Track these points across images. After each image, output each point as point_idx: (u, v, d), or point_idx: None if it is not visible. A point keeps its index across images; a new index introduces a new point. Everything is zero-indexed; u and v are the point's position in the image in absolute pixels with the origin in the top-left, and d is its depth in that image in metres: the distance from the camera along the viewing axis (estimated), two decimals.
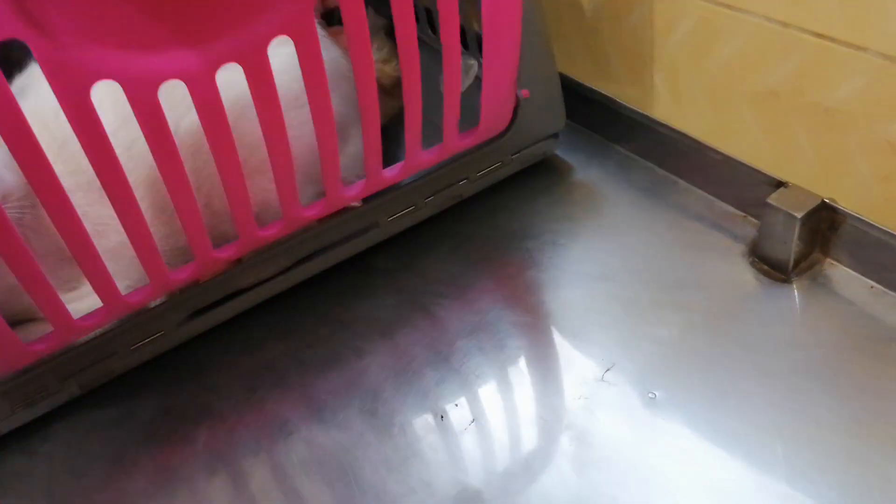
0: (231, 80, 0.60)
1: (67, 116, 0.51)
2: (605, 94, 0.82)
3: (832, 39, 0.62)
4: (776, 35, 0.66)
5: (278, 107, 0.60)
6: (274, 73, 0.65)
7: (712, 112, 0.74)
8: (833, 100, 0.63)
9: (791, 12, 0.64)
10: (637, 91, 0.80)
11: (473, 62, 0.74)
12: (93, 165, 0.54)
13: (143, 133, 0.54)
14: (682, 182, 0.77)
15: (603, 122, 0.84)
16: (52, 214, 0.54)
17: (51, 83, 0.49)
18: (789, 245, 0.65)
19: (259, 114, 0.59)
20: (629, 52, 0.79)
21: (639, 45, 0.78)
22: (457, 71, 0.66)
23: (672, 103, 0.77)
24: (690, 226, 0.73)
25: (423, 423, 0.60)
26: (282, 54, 0.63)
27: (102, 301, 0.60)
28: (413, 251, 0.75)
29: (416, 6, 0.64)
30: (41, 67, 0.48)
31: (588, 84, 0.84)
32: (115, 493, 0.59)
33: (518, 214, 0.77)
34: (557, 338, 0.65)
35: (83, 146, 0.53)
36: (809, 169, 0.67)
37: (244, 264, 0.67)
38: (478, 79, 0.71)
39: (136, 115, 0.53)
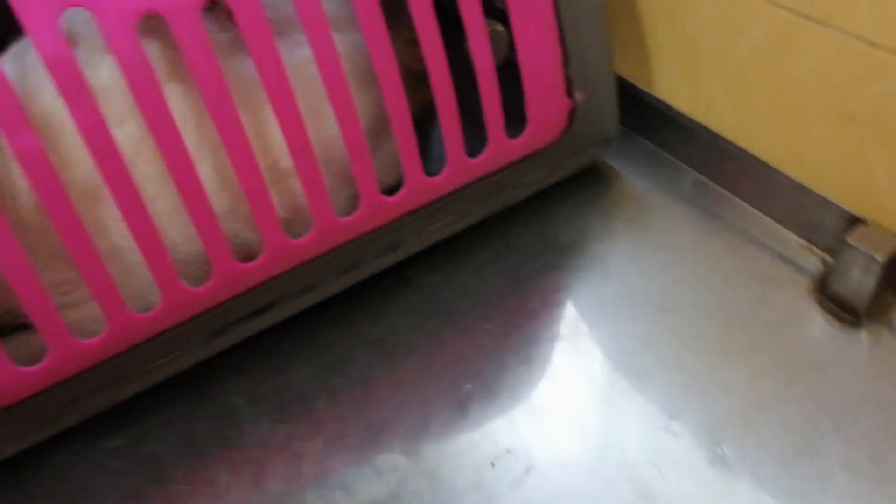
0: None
1: (38, 51, 0.46)
2: (659, 97, 0.76)
3: None
4: (862, 54, 0.61)
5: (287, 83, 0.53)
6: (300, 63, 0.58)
7: (781, 130, 0.68)
8: None
9: (881, 32, 0.59)
10: (695, 98, 0.74)
11: (501, 28, 0.66)
12: (84, 135, 0.48)
13: (127, 80, 0.49)
14: (741, 203, 0.72)
15: (655, 127, 0.77)
16: (50, 210, 0.47)
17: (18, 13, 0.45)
18: (866, 289, 0.60)
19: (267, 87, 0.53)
20: (690, 53, 0.73)
21: (701, 48, 0.71)
22: (484, 41, 0.59)
23: (735, 115, 0.71)
24: (752, 253, 0.67)
25: (472, 470, 0.55)
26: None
27: (108, 322, 0.52)
28: (451, 261, 0.69)
29: None
30: None
31: (640, 85, 0.77)
32: None
33: (565, 227, 0.71)
34: (617, 377, 0.60)
35: (62, 93, 0.47)
36: (889, 205, 0.63)
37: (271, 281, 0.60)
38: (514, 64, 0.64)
39: (112, 52, 0.48)
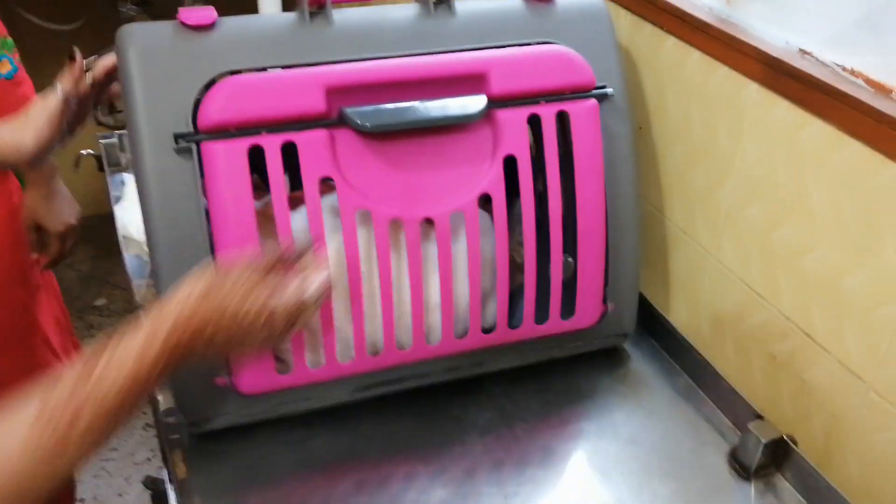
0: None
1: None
2: (668, 318, 1.19)
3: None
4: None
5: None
6: None
7: (737, 360, 1.10)
8: (809, 375, 0.98)
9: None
10: (690, 325, 1.16)
11: (571, 260, 1.11)
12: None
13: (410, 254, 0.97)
14: (702, 393, 1.12)
15: (663, 336, 1.20)
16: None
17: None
18: (754, 459, 0.99)
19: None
20: (692, 297, 1.16)
21: (702, 299, 1.15)
22: (559, 266, 1.05)
23: (712, 345, 1.13)
24: (702, 425, 1.07)
25: None
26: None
27: (327, 361, 0.98)
28: (512, 383, 1.12)
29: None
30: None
31: (658, 308, 1.21)
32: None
33: (586, 381, 1.13)
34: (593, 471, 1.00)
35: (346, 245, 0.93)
36: (782, 413, 1.02)
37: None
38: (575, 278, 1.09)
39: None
